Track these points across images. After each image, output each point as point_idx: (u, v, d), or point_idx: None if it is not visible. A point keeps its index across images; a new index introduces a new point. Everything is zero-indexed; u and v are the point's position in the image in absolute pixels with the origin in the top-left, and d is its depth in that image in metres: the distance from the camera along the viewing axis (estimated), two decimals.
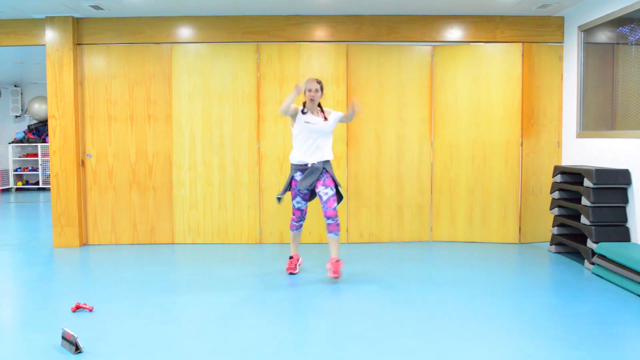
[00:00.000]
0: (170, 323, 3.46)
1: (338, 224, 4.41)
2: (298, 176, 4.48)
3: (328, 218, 4.38)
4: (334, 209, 4.39)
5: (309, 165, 4.43)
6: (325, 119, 4.48)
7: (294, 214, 4.59)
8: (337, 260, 4.45)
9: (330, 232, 4.43)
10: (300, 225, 4.65)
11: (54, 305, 3.80)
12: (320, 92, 4.45)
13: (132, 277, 4.60)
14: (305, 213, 4.63)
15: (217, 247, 5.84)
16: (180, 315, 3.61)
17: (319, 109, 4.51)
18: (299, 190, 4.46)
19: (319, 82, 4.46)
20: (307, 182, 4.41)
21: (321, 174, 4.44)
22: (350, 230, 6.06)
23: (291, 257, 4.71)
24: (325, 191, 4.41)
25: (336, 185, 4.49)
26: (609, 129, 5.32)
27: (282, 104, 4.30)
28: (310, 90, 4.43)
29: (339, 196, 4.52)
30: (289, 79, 5.91)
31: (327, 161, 4.50)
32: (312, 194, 4.62)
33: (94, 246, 5.92)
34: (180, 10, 5.69)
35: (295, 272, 4.66)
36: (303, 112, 4.44)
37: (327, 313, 3.67)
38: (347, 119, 4.54)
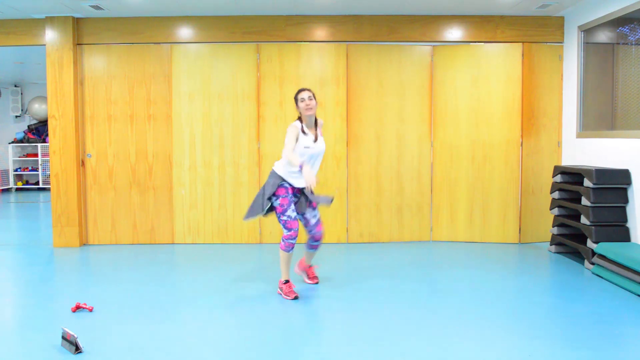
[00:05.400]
0: (170, 323, 3.46)
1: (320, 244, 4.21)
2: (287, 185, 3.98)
3: (316, 241, 4.11)
4: (322, 233, 4.13)
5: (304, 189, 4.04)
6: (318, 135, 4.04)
7: (289, 229, 3.92)
8: (310, 267, 4.36)
9: (311, 248, 4.19)
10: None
11: (54, 305, 3.80)
12: (314, 100, 3.95)
13: (132, 277, 4.60)
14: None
15: (217, 247, 5.84)
16: (180, 315, 3.61)
17: (315, 125, 4.04)
18: (292, 200, 3.98)
19: (310, 90, 3.98)
20: (304, 202, 4.07)
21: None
22: (350, 230, 6.06)
23: (287, 282, 4.05)
24: (314, 213, 4.07)
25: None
26: (609, 129, 5.31)
27: (290, 158, 3.80)
28: (303, 100, 3.91)
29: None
30: (289, 79, 5.91)
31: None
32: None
33: (94, 246, 5.92)
34: (180, 10, 5.69)
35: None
36: (303, 132, 3.92)
37: (328, 312, 3.67)
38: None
